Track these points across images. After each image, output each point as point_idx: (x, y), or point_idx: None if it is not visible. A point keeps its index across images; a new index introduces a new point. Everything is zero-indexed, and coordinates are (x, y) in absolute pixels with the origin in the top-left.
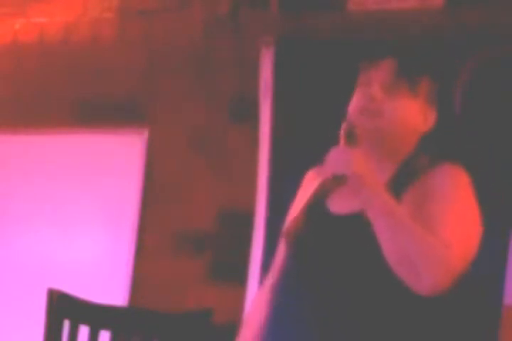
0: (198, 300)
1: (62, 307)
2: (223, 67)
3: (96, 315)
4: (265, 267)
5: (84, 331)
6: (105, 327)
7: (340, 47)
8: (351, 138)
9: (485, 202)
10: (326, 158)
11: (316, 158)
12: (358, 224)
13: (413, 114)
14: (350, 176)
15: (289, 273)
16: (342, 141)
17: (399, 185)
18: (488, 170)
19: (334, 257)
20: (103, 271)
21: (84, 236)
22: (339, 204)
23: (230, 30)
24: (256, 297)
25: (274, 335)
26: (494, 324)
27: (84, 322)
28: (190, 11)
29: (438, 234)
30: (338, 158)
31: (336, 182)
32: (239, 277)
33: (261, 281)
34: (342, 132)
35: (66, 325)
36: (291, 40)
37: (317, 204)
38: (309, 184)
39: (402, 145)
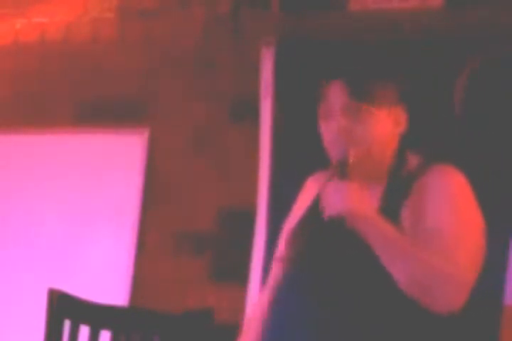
0: (199, 300)
1: (63, 307)
2: (224, 67)
3: (96, 315)
4: (267, 267)
5: (84, 331)
6: (106, 327)
7: (341, 46)
8: (344, 170)
9: (485, 203)
10: (322, 195)
11: (316, 159)
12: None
13: (384, 123)
14: (346, 215)
15: (289, 280)
16: (335, 176)
17: (393, 202)
18: (489, 170)
19: (332, 262)
20: (103, 271)
21: (84, 236)
22: (329, 206)
23: (231, 30)
24: (255, 303)
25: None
26: (495, 324)
27: (85, 322)
28: (190, 10)
29: (443, 250)
30: (332, 198)
31: (336, 222)
32: (239, 277)
33: (262, 281)
34: (334, 166)
35: (67, 324)
36: (292, 40)
37: (314, 216)
38: (309, 192)
39: (383, 158)
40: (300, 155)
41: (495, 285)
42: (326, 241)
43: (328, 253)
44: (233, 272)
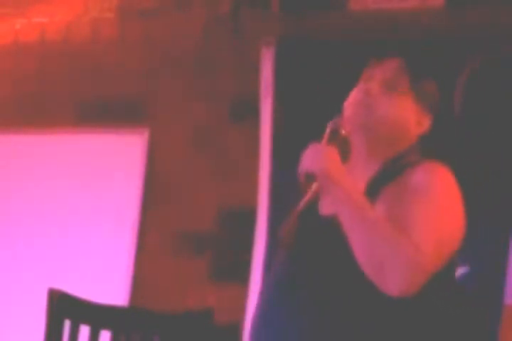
0: (199, 300)
1: (63, 307)
2: (224, 66)
3: (96, 314)
4: (268, 267)
5: (84, 331)
6: (106, 327)
7: (341, 46)
8: (334, 137)
9: (485, 203)
10: (303, 153)
11: None
12: (339, 224)
13: (408, 115)
14: (318, 173)
15: (281, 275)
16: (324, 139)
17: (379, 183)
18: (489, 170)
19: (322, 258)
20: (103, 270)
21: (84, 236)
22: (326, 205)
23: (231, 29)
24: None
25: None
26: (495, 324)
27: (85, 322)
28: (190, 10)
29: (409, 234)
30: (309, 156)
31: (307, 179)
32: (239, 277)
33: (263, 281)
34: (327, 129)
35: (67, 324)
36: (292, 39)
37: (309, 205)
38: None
39: (391, 144)
40: (300, 154)
41: (495, 284)
42: (315, 236)
43: (317, 246)
44: (233, 272)
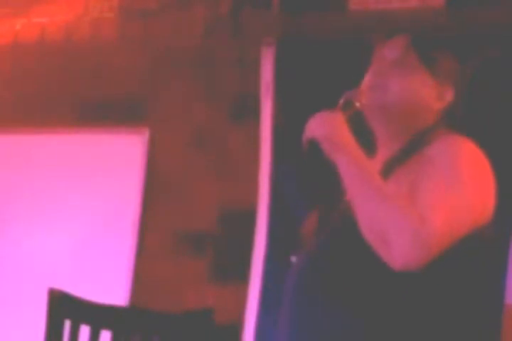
0: (199, 300)
1: (63, 307)
2: (224, 66)
3: (97, 314)
4: (268, 267)
5: (85, 331)
6: (106, 326)
7: (341, 46)
8: (346, 108)
9: None
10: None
11: None
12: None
13: (424, 90)
14: (321, 139)
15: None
16: (336, 108)
17: (396, 162)
18: None
19: (342, 241)
20: (104, 270)
21: (84, 236)
22: None
23: (231, 30)
24: None
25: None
26: (495, 323)
27: (85, 322)
28: (191, 10)
29: (416, 206)
30: (313, 122)
31: (310, 147)
32: (240, 277)
33: (263, 281)
34: (341, 100)
35: (67, 324)
36: (292, 40)
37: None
38: None
39: (413, 122)
40: (301, 155)
41: (495, 284)
42: (338, 219)
43: (337, 230)
44: (233, 272)
